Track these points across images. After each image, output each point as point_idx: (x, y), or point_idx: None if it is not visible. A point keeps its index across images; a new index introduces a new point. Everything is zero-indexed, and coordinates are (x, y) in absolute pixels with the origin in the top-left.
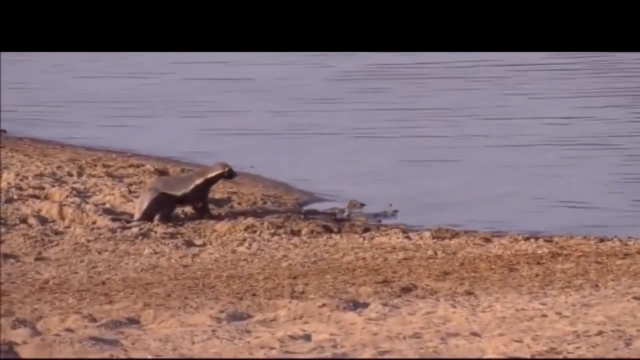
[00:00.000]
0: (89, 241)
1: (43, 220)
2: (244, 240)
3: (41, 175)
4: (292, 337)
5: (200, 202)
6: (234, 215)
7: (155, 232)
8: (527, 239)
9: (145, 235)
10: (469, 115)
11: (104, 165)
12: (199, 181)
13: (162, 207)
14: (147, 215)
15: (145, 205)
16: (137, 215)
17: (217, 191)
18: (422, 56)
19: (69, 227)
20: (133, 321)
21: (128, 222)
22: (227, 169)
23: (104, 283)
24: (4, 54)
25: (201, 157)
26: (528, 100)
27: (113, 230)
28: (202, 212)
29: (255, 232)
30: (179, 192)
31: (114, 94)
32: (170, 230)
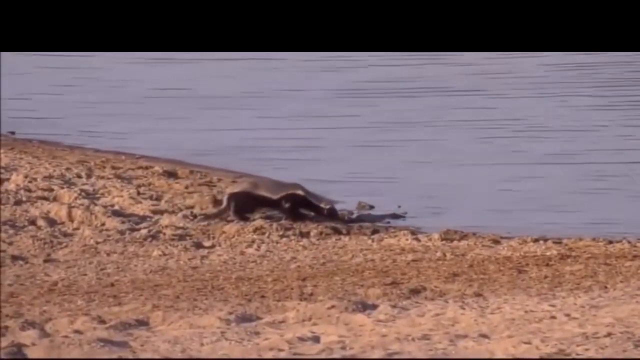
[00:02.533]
0: (97, 243)
1: (52, 222)
2: (253, 242)
3: (50, 177)
4: (301, 339)
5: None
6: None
7: (164, 234)
8: (536, 240)
9: (154, 237)
10: (475, 120)
11: (113, 167)
12: (299, 191)
13: (247, 204)
14: (232, 205)
15: (234, 191)
16: (224, 204)
17: (226, 193)
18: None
19: (77, 228)
20: (142, 323)
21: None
22: (328, 207)
23: (112, 285)
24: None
25: (209, 160)
26: (531, 107)
27: (122, 232)
28: (290, 215)
29: (264, 233)
30: (276, 196)
31: (122, 94)
32: (179, 232)
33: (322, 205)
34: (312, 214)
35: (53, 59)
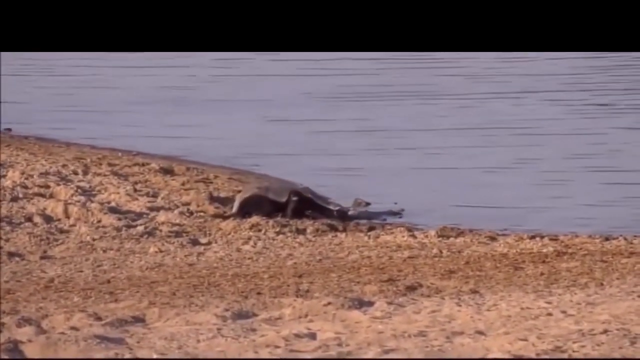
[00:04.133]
0: (94, 240)
1: (48, 219)
2: (249, 238)
3: (46, 173)
4: (297, 336)
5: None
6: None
7: (161, 231)
8: (532, 237)
9: (150, 233)
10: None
11: (110, 164)
12: (308, 195)
13: (260, 208)
14: (244, 209)
15: (246, 195)
16: (235, 208)
17: (223, 190)
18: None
19: (74, 225)
20: (138, 320)
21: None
22: (337, 209)
23: (109, 281)
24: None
25: (207, 158)
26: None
27: (118, 229)
28: (293, 212)
29: (260, 230)
30: (283, 199)
31: (119, 92)
32: (176, 228)
33: (331, 207)
34: (320, 215)
35: (51, 59)
